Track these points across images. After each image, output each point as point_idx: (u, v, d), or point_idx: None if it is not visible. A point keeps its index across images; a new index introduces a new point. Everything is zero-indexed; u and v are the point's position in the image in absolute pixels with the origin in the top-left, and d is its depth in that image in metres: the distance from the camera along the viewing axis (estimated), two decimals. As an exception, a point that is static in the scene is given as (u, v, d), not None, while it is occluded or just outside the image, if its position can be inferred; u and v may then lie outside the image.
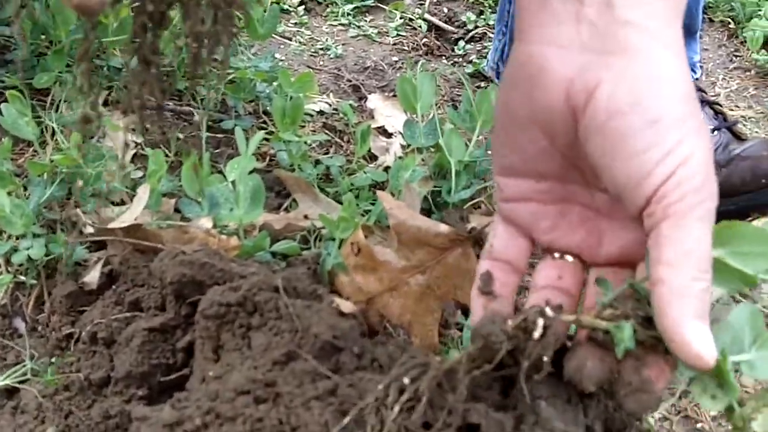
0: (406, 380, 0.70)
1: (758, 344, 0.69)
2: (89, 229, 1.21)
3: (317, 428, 0.69)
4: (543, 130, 0.76)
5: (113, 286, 1.14)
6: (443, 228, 1.10)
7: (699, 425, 1.22)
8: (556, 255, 0.81)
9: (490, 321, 0.69)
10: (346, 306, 1.11)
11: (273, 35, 1.93)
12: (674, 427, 1.21)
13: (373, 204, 1.39)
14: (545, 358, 0.68)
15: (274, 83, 1.62)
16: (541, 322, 0.68)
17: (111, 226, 1.18)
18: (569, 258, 0.81)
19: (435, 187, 1.44)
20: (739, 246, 0.68)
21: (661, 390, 0.67)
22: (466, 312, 1.24)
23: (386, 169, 1.50)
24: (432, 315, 1.13)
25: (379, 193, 1.14)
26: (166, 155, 1.41)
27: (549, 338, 0.68)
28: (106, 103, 1.50)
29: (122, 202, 1.30)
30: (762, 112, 2.04)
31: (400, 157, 1.51)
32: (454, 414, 0.72)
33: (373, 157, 1.59)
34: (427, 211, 1.43)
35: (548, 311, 0.69)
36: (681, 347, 0.64)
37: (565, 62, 0.71)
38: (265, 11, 1.54)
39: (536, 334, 0.68)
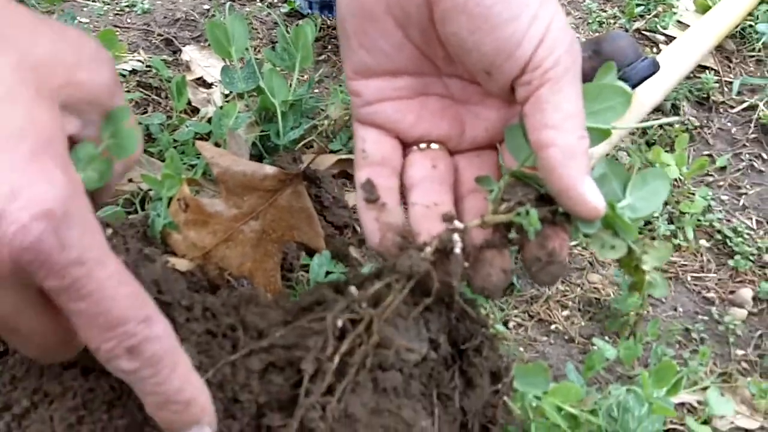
0: (339, 323, 0.70)
1: (630, 189, 0.77)
2: None
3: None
4: (397, 21, 0.78)
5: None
6: (269, 169, 1.08)
7: (553, 326, 1.26)
8: (422, 145, 0.84)
9: (407, 255, 0.73)
10: (182, 264, 1.09)
11: (72, -2, 1.86)
12: (529, 332, 1.24)
13: (199, 157, 1.36)
14: (467, 264, 0.75)
15: (78, 47, 1.56)
16: (458, 238, 0.73)
17: None
18: (435, 146, 0.84)
19: (263, 131, 1.42)
20: (589, 106, 0.73)
21: (566, 258, 0.74)
22: (310, 253, 1.24)
23: (210, 120, 1.47)
24: (272, 260, 1.11)
25: (197, 143, 1.12)
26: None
27: (467, 249, 0.74)
28: None
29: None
30: (581, 17, 2.08)
31: (221, 107, 1.47)
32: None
33: (195, 110, 1.55)
34: (257, 157, 1.41)
35: (458, 224, 0.74)
36: (578, 203, 0.70)
37: None
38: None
39: (457, 250, 0.73)
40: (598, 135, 0.74)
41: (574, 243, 1.40)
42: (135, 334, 0.57)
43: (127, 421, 0.67)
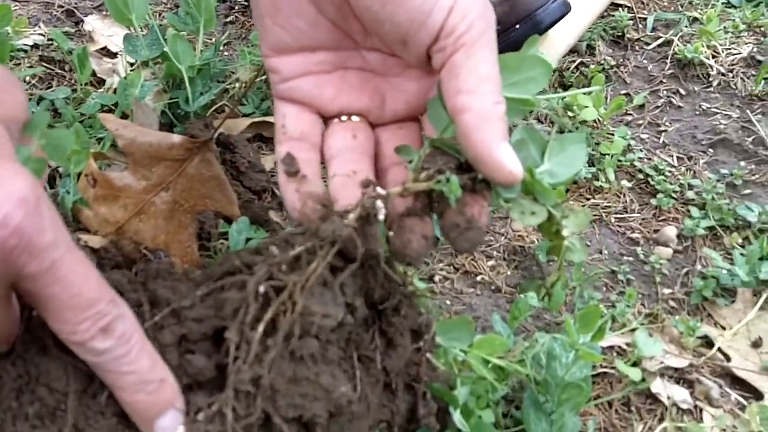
0: (261, 288, 0.69)
1: (548, 155, 0.76)
2: None
3: (60, 372, 0.66)
4: None
5: None
6: (176, 138, 1.06)
7: (479, 277, 1.26)
8: (343, 118, 0.84)
9: (330, 221, 0.71)
10: (95, 240, 1.07)
11: (-36, -28, 1.80)
12: (456, 285, 1.24)
13: (106, 130, 1.33)
14: (391, 234, 0.74)
15: (-26, 24, 1.51)
16: (380, 204, 0.72)
17: None
18: (356, 118, 0.84)
19: (171, 99, 1.40)
20: (510, 77, 0.72)
21: (485, 224, 0.73)
22: (228, 220, 1.22)
23: (116, 90, 1.44)
24: (187, 230, 1.10)
25: (100, 116, 1.09)
26: None
27: (389, 216, 0.73)
28: None
29: None
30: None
31: (126, 76, 1.44)
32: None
33: (102, 82, 1.52)
34: (168, 126, 1.39)
35: (380, 191, 0.73)
36: (494, 168, 0.69)
37: None
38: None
39: (381, 217, 0.72)
40: (518, 105, 0.74)
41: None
42: (107, 314, 0.61)
43: (37, 407, 0.66)
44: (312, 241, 0.71)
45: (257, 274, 0.69)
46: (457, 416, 0.85)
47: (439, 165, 0.73)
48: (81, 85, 1.45)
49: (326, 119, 0.85)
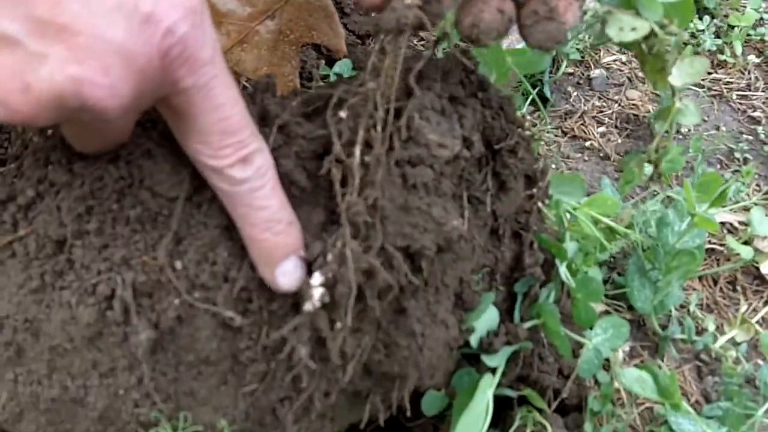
0: (342, 114, 0.65)
1: None
2: None
3: (165, 177, 0.65)
4: None
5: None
6: (286, -38, 1.04)
7: (588, 143, 1.24)
8: None
9: (390, 8, 0.63)
10: (195, 67, 1.06)
11: None
12: (563, 149, 1.22)
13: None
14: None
15: None
16: None
17: None
18: None
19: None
20: None
21: (568, 22, 0.65)
22: (329, 62, 1.21)
23: None
24: (290, 63, 1.08)
25: (208, -67, 1.07)
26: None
27: None
28: None
29: None
30: None
31: None
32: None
33: None
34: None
35: None
36: None
37: None
38: None
39: None
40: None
41: (612, 58, 1.37)
42: (248, 144, 0.60)
43: (139, 211, 0.64)
44: (380, 39, 0.64)
45: (334, 95, 0.67)
46: (563, 270, 0.83)
47: None
48: None
49: None
